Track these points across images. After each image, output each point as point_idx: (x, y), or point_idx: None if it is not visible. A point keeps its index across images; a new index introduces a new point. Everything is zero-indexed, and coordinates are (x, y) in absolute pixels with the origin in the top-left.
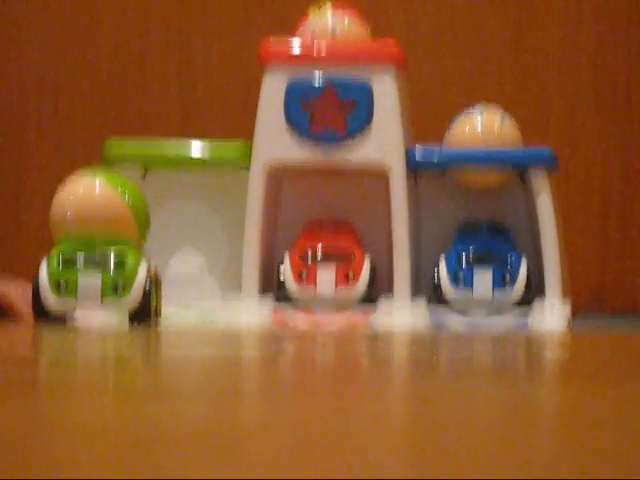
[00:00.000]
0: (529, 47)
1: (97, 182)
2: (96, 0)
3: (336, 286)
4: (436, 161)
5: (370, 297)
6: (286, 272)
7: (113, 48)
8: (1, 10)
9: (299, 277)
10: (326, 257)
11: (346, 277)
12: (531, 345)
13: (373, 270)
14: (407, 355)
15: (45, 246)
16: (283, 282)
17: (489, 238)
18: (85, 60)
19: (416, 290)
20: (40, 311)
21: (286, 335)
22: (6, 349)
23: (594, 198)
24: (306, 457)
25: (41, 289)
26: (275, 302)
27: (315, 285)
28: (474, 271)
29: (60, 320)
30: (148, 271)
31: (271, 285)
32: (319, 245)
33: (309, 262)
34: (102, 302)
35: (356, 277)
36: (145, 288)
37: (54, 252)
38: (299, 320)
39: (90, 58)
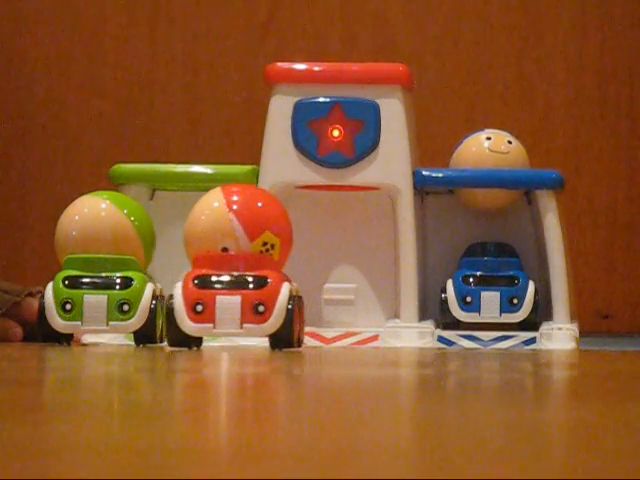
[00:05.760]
0: (533, 68)
1: (103, 203)
2: (104, 23)
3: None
4: (443, 182)
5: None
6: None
7: (120, 72)
8: (8, 31)
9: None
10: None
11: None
12: (540, 366)
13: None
14: (415, 376)
15: (51, 267)
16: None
17: (496, 259)
18: (93, 82)
19: (423, 311)
20: (47, 332)
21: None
22: (10, 370)
23: (600, 219)
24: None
25: (47, 310)
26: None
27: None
28: (481, 293)
29: (67, 340)
30: (154, 292)
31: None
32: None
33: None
34: (108, 323)
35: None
36: (151, 309)
37: (60, 273)
38: (308, 341)
39: (98, 80)
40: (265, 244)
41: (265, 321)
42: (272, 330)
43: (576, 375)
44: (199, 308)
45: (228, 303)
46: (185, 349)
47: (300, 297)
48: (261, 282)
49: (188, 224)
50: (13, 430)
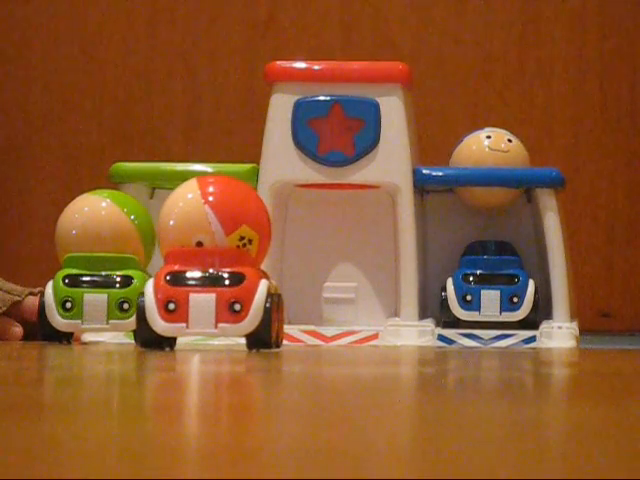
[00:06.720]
0: (534, 68)
1: (103, 202)
2: (102, 22)
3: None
4: (443, 180)
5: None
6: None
7: (119, 70)
8: (8, 31)
9: None
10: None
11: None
12: (540, 364)
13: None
14: (415, 374)
15: (51, 267)
16: None
17: (496, 258)
18: (93, 82)
19: (423, 310)
20: (47, 330)
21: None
22: (11, 369)
23: (600, 218)
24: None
25: (47, 309)
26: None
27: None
28: (481, 291)
29: (67, 339)
30: None
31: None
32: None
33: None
34: (108, 321)
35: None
36: None
37: (60, 272)
38: (307, 340)
39: (96, 79)
40: (242, 238)
41: (241, 320)
42: (249, 330)
43: (576, 373)
44: (171, 306)
45: (202, 301)
46: (158, 350)
47: (279, 295)
48: (237, 279)
49: (160, 217)
50: (13, 430)
